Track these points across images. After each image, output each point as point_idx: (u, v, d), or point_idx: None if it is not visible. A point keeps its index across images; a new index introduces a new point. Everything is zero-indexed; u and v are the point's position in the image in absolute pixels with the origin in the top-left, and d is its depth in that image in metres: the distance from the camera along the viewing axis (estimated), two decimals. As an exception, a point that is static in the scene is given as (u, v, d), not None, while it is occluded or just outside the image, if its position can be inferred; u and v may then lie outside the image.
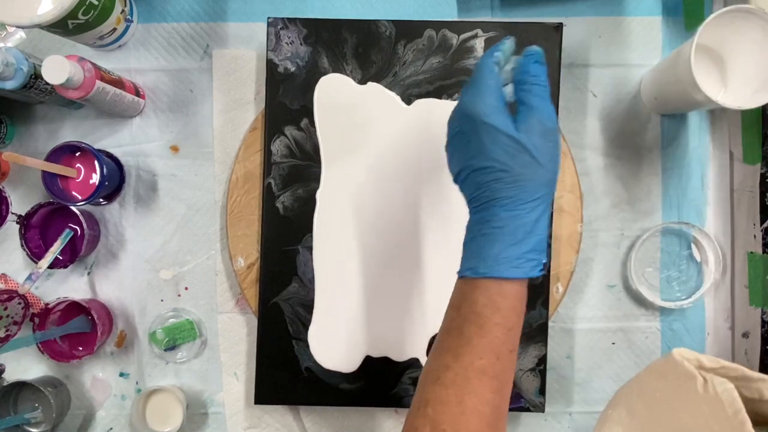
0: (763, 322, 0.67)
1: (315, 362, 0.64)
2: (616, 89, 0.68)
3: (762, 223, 0.67)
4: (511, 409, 0.64)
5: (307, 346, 0.64)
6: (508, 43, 0.47)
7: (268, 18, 0.64)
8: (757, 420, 0.39)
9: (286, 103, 0.64)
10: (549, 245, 0.64)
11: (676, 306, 0.66)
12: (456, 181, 0.47)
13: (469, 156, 0.44)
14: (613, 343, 0.68)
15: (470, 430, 0.41)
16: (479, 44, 0.63)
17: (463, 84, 0.63)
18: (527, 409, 0.64)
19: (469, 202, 0.46)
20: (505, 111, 0.44)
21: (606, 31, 0.68)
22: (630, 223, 0.68)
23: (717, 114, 0.68)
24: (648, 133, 0.68)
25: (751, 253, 0.67)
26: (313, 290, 0.64)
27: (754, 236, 0.67)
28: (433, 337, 0.63)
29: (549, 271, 0.63)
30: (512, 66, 0.47)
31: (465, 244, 0.45)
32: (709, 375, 0.39)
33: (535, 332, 0.63)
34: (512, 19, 0.67)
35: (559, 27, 0.63)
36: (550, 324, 0.65)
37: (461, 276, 0.45)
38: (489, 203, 0.43)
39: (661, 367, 0.43)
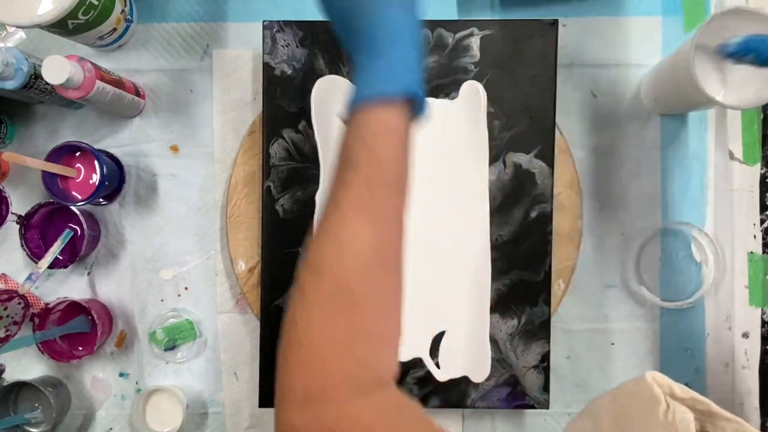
0: (763, 322, 0.67)
1: (316, 363, 0.64)
2: (616, 89, 0.68)
3: (762, 223, 0.67)
4: (515, 407, 0.64)
5: (308, 346, 0.64)
6: None
7: (264, 21, 0.64)
8: None
9: (284, 106, 0.64)
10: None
11: (676, 306, 0.66)
12: (334, 26, 0.46)
13: None
14: (613, 344, 0.68)
15: (352, 267, 0.38)
16: (475, 43, 0.63)
17: (459, 83, 0.63)
18: (531, 406, 0.64)
19: (342, 34, 0.45)
20: None
21: (606, 31, 0.68)
22: (630, 223, 0.68)
23: (717, 114, 0.68)
24: (648, 133, 0.68)
25: (751, 253, 0.67)
26: (313, 290, 0.64)
27: (754, 236, 0.67)
28: (436, 336, 0.63)
29: (550, 267, 0.64)
30: None
31: (354, 74, 0.45)
32: (673, 402, 0.40)
33: (538, 329, 0.63)
34: (509, 17, 0.67)
35: (554, 23, 0.63)
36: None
37: (362, 95, 0.41)
38: (355, 18, 0.42)
39: (633, 387, 0.43)
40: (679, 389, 0.40)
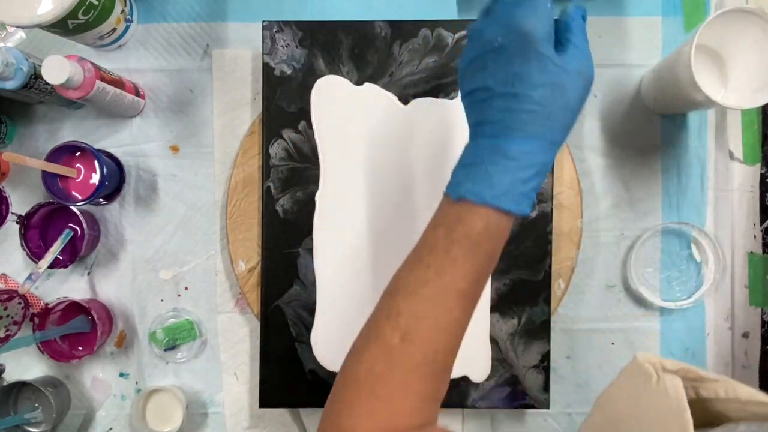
0: (763, 322, 0.67)
1: (318, 364, 0.64)
2: (616, 89, 0.68)
3: (762, 223, 0.67)
4: (515, 407, 0.64)
5: (310, 348, 0.64)
6: None
7: (263, 21, 0.64)
8: (719, 417, 0.42)
9: (283, 106, 0.64)
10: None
11: (676, 306, 0.66)
12: (469, 97, 0.44)
13: (502, 78, 0.41)
14: (613, 344, 0.68)
15: (441, 346, 0.42)
16: (478, 44, 0.63)
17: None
18: (532, 406, 0.64)
19: (479, 124, 0.43)
20: (553, 30, 0.42)
21: (606, 31, 0.68)
22: (630, 223, 0.68)
23: (717, 114, 0.68)
24: (648, 133, 0.68)
25: (751, 253, 0.67)
26: (314, 292, 0.64)
27: (754, 236, 0.67)
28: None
29: (550, 267, 0.64)
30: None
31: (464, 165, 0.43)
32: (663, 373, 0.42)
33: (538, 329, 0.63)
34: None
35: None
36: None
37: (459, 197, 0.42)
38: (508, 132, 0.41)
39: (627, 369, 0.46)
40: (669, 363, 0.43)
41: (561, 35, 0.44)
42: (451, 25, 0.64)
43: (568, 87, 0.42)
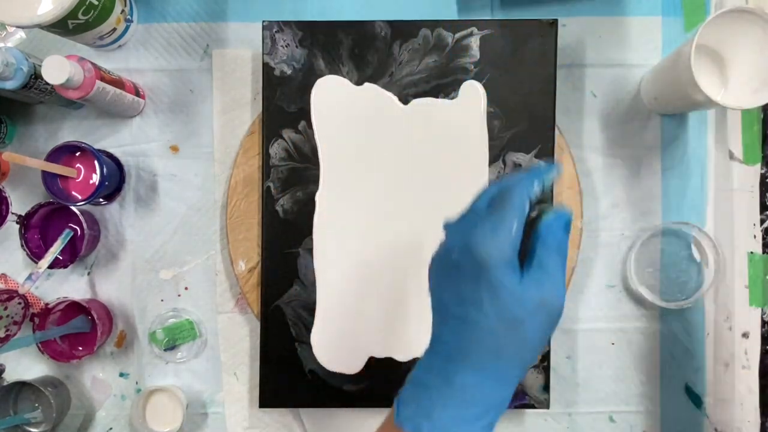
0: (763, 322, 0.67)
1: (318, 364, 0.64)
2: (616, 89, 0.68)
3: (762, 223, 0.67)
4: (515, 407, 0.64)
5: (310, 348, 0.64)
6: (553, 173, 0.39)
7: (263, 21, 0.64)
8: None
9: (283, 106, 0.64)
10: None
11: (676, 306, 0.66)
12: (432, 300, 0.41)
13: (455, 297, 0.38)
14: (613, 344, 0.68)
15: None
16: (475, 42, 0.63)
17: (459, 83, 0.63)
18: (532, 406, 0.64)
19: (436, 337, 0.40)
20: (517, 266, 0.37)
21: (606, 31, 0.68)
22: (630, 223, 0.68)
23: (717, 114, 0.68)
24: (648, 133, 0.68)
25: (751, 253, 0.67)
26: (314, 292, 0.64)
27: (754, 236, 0.67)
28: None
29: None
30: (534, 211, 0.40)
31: (415, 382, 0.40)
32: None
33: (535, 332, 0.63)
34: (508, 17, 0.67)
35: (554, 23, 0.63)
36: (550, 324, 0.65)
37: (398, 420, 0.38)
38: (458, 357, 0.37)
39: None
40: None
41: (532, 246, 0.38)
42: (451, 25, 0.63)
43: (526, 321, 0.36)
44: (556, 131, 0.65)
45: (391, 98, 0.64)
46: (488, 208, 0.40)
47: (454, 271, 0.38)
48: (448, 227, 0.42)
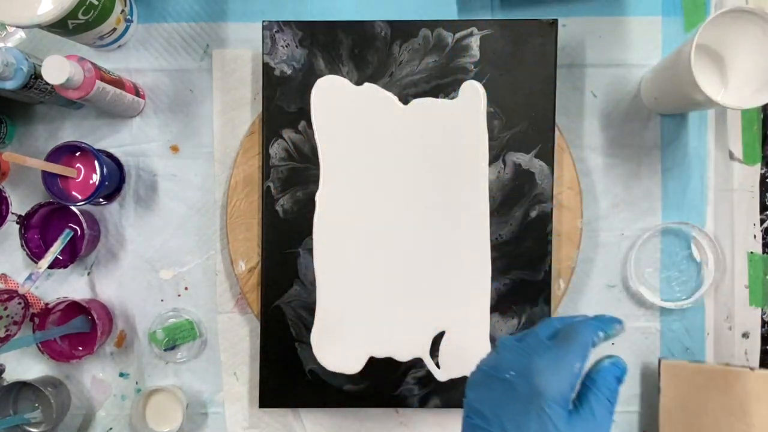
0: (763, 322, 0.67)
1: (318, 364, 0.64)
2: (616, 89, 0.68)
3: (762, 223, 0.67)
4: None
5: (310, 348, 0.64)
6: (619, 329, 0.40)
7: (263, 21, 0.64)
8: None
9: (283, 106, 0.64)
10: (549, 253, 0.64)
11: (676, 306, 0.66)
12: (465, 416, 0.41)
13: (497, 416, 0.38)
14: (613, 344, 0.68)
15: None
16: (475, 42, 0.63)
17: (459, 83, 0.63)
18: None
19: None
20: (569, 405, 0.38)
21: (606, 31, 0.68)
22: (630, 223, 0.68)
23: (717, 114, 0.68)
24: (648, 133, 0.68)
25: (751, 253, 0.67)
26: (314, 292, 0.64)
27: (754, 236, 0.67)
28: (436, 336, 0.63)
29: (550, 267, 0.64)
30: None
31: None
32: None
33: (536, 332, 0.63)
34: (509, 17, 0.67)
35: (554, 23, 0.63)
36: (550, 324, 0.65)
37: None
38: None
39: None
40: None
41: (584, 389, 0.39)
42: (451, 25, 0.63)
43: None
44: (556, 131, 0.65)
45: (391, 98, 0.64)
46: (551, 340, 0.40)
47: (506, 389, 0.39)
48: (504, 343, 0.42)
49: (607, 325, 0.40)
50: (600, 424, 0.37)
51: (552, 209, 0.64)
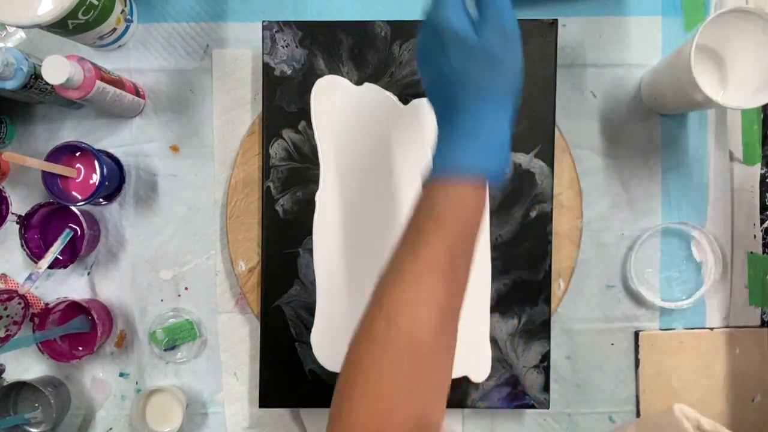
0: (763, 322, 0.67)
1: (318, 364, 0.64)
2: (616, 89, 0.68)
3: (762, 223, 0.67)
4: (515, 406, 0.64)
5: (310, 348, 0.64)
6: None
7: (263, 21, 0.64)
8: None
9: (283, 106, 0.64)
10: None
11: (676, 306, 0.66)
12: (427, 97, 0.47)
13: (433, 67, 0.44)
14: (613, 344, 0.68)
15: (423, 322, 0.41)
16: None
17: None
18: (532, 406, 0.64)
19: (436, 115, 0.46)
20: (467, 18, 0.43)
21: (606, 31, 0.68)
22: (630, 223, 0.68)
23: (717, 114, 0.68)
24: (648, 133, 0.68)
25: (751, 253, 0.67)
26: (314, 292, 0.64)
27: (754, 236, 0.67)
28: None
29: (550, 267, 0.64)
30: None
31: (435, 149, 0.45)
32: None
33: (538, 329, 0.63)
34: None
35: (554, 23, 0.63)
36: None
37: (424, 185, 0.44)
38: (452, 110, 0.44)
39: (660, 419, 0.45)
40: (707, 423, 0.42)
41: (478, 2, 0.45)
42: (451, 25, 0.63)
43: (489, 51, 0.43)
44: (556, 131, 0.65)
45: (391, 98, 0.64)
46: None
47: (425, 53, 0.45)
48: (418, 31, 0.46)
49: None
50: (502, 13, 0.44)
51: (552, 209, 0.64)
